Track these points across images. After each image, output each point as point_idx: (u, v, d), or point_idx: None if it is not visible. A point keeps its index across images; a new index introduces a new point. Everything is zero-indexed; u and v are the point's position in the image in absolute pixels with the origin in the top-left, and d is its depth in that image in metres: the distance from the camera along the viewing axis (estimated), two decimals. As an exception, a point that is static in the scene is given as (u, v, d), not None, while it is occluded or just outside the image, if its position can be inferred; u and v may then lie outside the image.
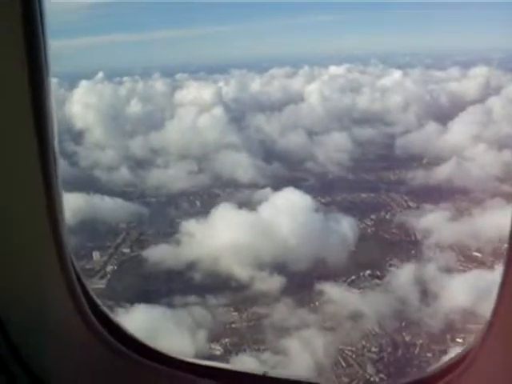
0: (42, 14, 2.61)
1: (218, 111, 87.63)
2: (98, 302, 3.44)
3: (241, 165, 71.13)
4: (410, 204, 64.80)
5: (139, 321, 38.79)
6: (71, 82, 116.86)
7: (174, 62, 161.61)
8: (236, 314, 45.43)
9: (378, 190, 69.12)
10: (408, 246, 56.53)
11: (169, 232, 58.67)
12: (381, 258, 53.43)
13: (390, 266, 53.15)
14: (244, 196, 63.87)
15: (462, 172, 68.64)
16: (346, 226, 53.72)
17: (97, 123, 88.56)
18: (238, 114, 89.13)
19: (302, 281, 48.14)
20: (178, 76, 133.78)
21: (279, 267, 48.80)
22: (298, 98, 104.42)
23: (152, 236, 58.73)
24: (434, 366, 3.14)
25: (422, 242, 56.39)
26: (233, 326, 43.97)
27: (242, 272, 48.21)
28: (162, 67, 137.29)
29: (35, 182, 2.86)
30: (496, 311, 2.58)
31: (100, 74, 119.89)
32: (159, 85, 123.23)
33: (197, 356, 38.72)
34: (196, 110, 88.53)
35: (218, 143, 78.49)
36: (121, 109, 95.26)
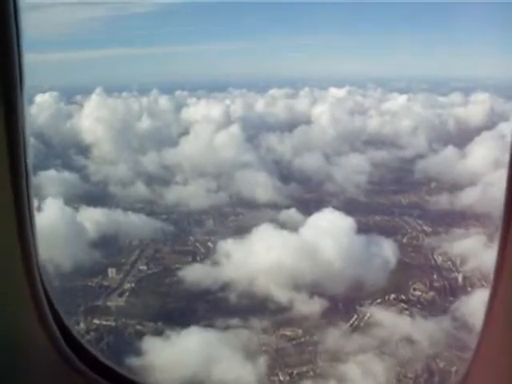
0: (18, 33, 2.57)
1: (232, 130, 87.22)
2: (70, 327, 3.40)
3: (259, 184, 70.52)
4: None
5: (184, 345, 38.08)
6: (68, 96, 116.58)
7: (169, 78, 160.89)
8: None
9: (399, 214, 68.95)
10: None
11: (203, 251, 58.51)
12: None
13: (414, 290, 52.71)
14: (268, 216, 63.12)
15: (487, 197, 68.32)
16: (388, 249, 53.11)
17: (108, 138, 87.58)
18: (249, 134, 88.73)
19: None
20: (178, 93, 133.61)
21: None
22: (304, 119, 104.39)
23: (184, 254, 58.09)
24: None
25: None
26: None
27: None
28: (158, 84, 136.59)
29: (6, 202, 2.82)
30: (486, 325, 2.67)
31: (98, 90, 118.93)
32: (163, 102, 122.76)
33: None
34: (210, 128, 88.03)
35: (234, 161, 77.87)
36: (131, 125, 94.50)
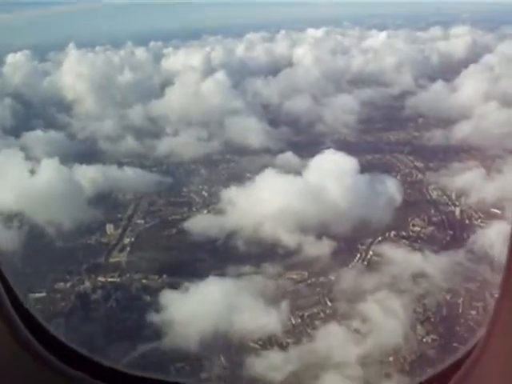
0: None
1: (218, 77, 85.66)
2: (32, 312, 3.19)
3: (250, 130, 69.60)
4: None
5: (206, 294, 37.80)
6: (40, 54, 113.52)
7: (140, 30, 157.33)
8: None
9: (390, 151, 68.88)
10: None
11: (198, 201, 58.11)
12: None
13: (414, 226, 52.92)
14: (264, 161, 62.58)
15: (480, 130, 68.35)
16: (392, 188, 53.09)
17: (90, 94, 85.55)
18: (234, 80, 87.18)
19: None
20: (152, 44, 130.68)
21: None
22: (286, 62, 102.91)
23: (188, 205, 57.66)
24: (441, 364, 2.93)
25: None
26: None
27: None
28: (130, 36, 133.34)
29: None
30: (500, 305, 2.54)
31: (70, 45, 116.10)
32: (140, 53, 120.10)
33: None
34: (195, 77, 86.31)
35: (222, 109, 76.68)
36: (113, 78, 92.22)
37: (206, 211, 55.51)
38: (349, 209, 50.08)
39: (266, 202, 48.77)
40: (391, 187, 54.58)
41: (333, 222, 48.52)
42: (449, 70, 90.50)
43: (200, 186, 60.90)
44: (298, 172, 54.47)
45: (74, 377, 3.14)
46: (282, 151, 64.22)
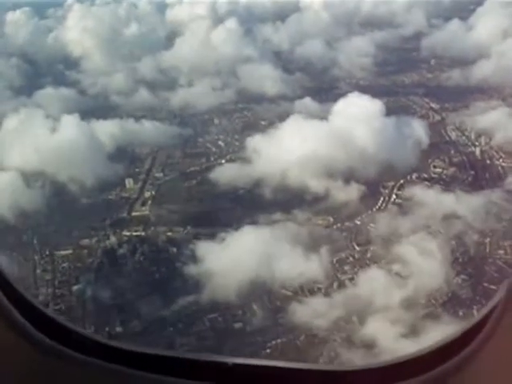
0: None
1: (228, 25, 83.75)
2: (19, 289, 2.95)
3: (264, 77, 68.26)
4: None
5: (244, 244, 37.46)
6: (41, 11, 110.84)
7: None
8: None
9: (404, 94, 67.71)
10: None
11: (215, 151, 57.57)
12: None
13: (435, 167, 52.35)
14: (283, 107, 61.60)
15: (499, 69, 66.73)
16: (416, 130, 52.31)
17: (97, 48, 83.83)
18: (243, 27, 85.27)
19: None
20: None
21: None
22: (293, 7, 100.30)
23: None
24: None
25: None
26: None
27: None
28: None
29: None
30: None
31: (69, 1, 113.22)
32: (142, 5, 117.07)
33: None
34: (204, 26, 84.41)
35: (235, 57, 75.21)
36: (119, 31, 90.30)
37: (224, 161, 54.88)
38: (372, 152, 49.49)
39: (291, 148, 47.98)
40: (414, 129, 53.64)
41: (356, 166, 47.97)
42: (462, 8, 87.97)
43: (216, 136, 59.96)
44: (320, 117, 53.48)
45: (53, 348, 2.87)
46: (299, 97, 62.95)
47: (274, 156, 48.12)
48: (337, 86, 69.69)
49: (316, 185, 45.64)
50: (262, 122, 61.26)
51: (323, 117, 53.51)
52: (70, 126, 54.55)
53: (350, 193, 46.03)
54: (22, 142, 51.90)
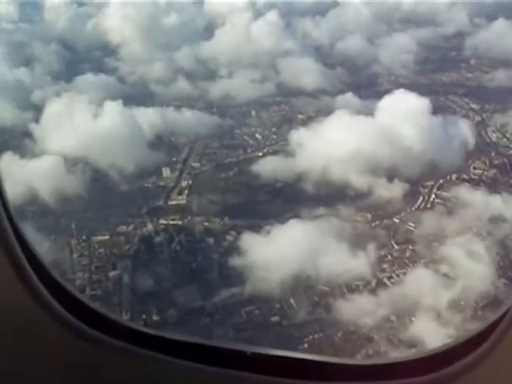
0: None
1: (269, 17, 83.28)
2: (56, 277, 3.03)
3: (305, 71, 67.84)
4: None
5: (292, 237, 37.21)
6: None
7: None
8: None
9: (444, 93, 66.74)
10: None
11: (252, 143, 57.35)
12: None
13: (475, 168, 51.62)
14: (324, 103, 61.15)
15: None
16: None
17: (136, 37, 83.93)
18: (283, 20, 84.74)
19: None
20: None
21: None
22: (332, 2, 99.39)
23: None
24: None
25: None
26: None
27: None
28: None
29: None
30: None
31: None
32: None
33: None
34: (245, 17, 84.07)
35: (275, 50, 74.82)
36: (158, 21, 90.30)
37: (260, 153, 54.65)
38: (415, 150, 48.91)
39: (336, 143, 47.57)
40: (459, 129, 52.91)
41: (398, 164, 47.48)
42: (507, 8, 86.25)
43: (253, 129, 59.72)
44: (364, 113, 52.98)
45: (95, 338, 2.93)
46: (339, 92, 62.44)
47: (318, 150, 47.59)
48: (377, 82, 68.88)
49: (358, 181, 45.00)
50: (300, 116, 60.98)
51: (368, 113, 52.83)
52: (113, 113, 54.61)
53: (390, 191, 45.49)
54: (64, 127, 52.13)
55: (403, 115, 50.76)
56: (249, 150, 56.07)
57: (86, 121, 54.29)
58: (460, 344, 2.77)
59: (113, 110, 55.39)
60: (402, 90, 55.95)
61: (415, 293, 34.31)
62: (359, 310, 33.81)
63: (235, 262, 38.05)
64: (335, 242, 37.92)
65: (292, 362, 2.89)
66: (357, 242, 39.14)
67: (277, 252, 36.56)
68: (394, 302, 34.21)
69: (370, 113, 53.13)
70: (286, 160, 50.47)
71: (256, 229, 41.44)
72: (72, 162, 50.21)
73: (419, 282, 35.29)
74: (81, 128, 52.91)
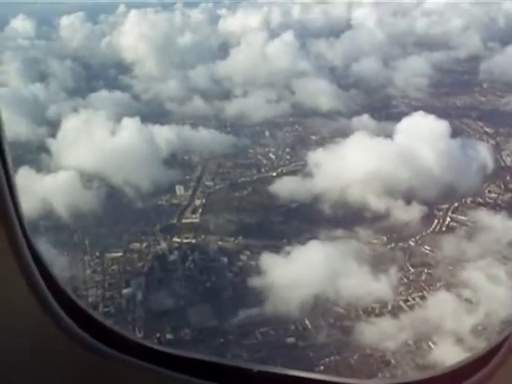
0: None
1: (285, 38, 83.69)
2: (65, 289, 3.03)
3: (320, 92, 67.88)
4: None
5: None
6: (92, 17, 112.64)
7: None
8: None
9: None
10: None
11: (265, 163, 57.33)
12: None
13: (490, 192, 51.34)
14: (340, 124, 61.18)
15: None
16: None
17: (150, 55, 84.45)
18: (297, 41, 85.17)
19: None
20: (203, 6, 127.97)
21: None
22: (345, 24, 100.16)
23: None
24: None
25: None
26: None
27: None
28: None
29: None
30: None
31: (121, 7, 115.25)
32: (195, 15, 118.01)
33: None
34: (261, 37, 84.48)
35: (290, 70, 75.04)
36: (173, 39, 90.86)
37: (274, 174, 54.56)
38: (432, 173, 48.64)
39: (354, 164, 47.41)
40: (476, 153, 52.77)
41: (414, 186, 47.29)
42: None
43: (267, 149, 59.62)
44: (382, 135, 53.00)
45: (106, 354, 2.93)
46: (354, 114, 62.46)
47: (336, 171, 47.41)
48: (391, 104, 68.92)
49: (376, 203, 44.82)
50: (313, 137, 60.89)
51: (385, 135, 52.78)
52: (130, 129, 54.68)
53: (406, 213, 45.24)
54: (81, 143, 52.25)
55: (421, 137, 50.55)
56: (263, 170, 56.04)
57: (103, 137, 54.32)
58: (462, 366, 2.78)
59: (130, 126, 55.31)
60: (420, 113, 55.75)
61: (432, 316, 33.85)
62: (376, 332, 33.31)
63: (251, 281, 37.59)
64: (352, 264, 37.52)
65: (297, 380, 2.91)
66: (373, 265, 38.74)
67: (296, 273, 36.17)
68: (412, 325, 33.73)
69: (387, 135, 52.94)
70: (302, 180, 50.29)
71: (274, 249, 40.96)
72: (88, 178, 50.14)
73: (436, 305, 34.81)
74: (98, 144, 52.92)
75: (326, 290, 35.33)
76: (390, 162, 48.37)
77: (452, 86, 76.23)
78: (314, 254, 37.38)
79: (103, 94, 69.04)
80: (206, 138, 60.28)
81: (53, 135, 55.39)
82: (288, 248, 40.02)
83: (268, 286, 36.58)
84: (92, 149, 51.48)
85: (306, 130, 63.70)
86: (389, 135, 52.87)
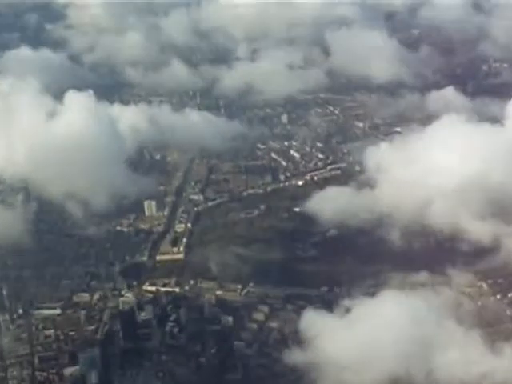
0: None
1: None
2: None
3: (369, 52, 69.61)
4: None
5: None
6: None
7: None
8: None
9: None
10: None
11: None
12: None
13: None
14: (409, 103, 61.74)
15: None
16: None
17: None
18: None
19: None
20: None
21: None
22: None
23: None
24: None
25: None
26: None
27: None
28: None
29: None
30: None
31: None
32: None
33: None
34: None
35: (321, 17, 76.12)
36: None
37: (301, 182, 56.19)
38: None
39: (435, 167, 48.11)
40: None
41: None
42: None
43: (286, 142, 63.27)
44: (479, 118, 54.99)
45: None
46: (431, 86, 64.97)
47: (406, 178, 48.36)
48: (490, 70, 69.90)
49: (476, 227, 45.04)
50: (359, 124, 63.53)
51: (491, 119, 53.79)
52: (74, 110, 55.34)
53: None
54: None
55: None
56: (281, 176, 56.51)
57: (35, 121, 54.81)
58: None
59: (74, 104, 55.83)
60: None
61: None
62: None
63: (279, 357, 36.39)
64: (438, 326, 36.76)
65: None
66: (469, 327, 38.05)
67: (358, 341, 35.21)
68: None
69: (492, 119, 53.77)
70: (347, 192, 50.42)
71: (317, 302, 40.31)
72: (9, 188, 50.83)
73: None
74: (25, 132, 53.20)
75: (413, 370, 34.32)
76: (499, 162, 47.92)
77: None
78: (387, 311, 36.43)
79: (23, 51, 69.15)
80: (190, 123, 60.17)
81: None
82: (346, 302, 39.08)
83: (311, 365, 35.04)
84: (15, 139, 50.91)
85: (346, 112, 64.65)
86: (494, 119, 52.95)
